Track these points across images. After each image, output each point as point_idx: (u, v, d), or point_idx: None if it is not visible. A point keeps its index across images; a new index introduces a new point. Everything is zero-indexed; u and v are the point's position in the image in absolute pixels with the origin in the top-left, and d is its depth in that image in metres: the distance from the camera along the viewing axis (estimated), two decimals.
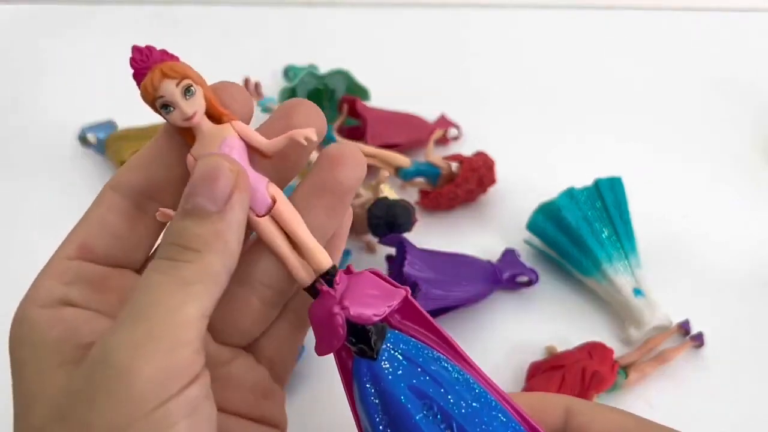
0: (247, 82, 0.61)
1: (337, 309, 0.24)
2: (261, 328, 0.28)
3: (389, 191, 0.48)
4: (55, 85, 0.64)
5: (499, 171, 0.52)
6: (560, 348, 0.43)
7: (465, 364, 0.25)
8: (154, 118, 0.54)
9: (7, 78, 0.65)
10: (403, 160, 0.51)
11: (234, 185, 0.24)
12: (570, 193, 0.48)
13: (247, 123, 0.26)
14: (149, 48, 0.25)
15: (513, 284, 0.46)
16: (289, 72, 0.64)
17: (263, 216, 0.25)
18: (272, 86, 0.62)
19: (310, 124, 0.26)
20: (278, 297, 0.28)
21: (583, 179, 0.49)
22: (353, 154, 0.26)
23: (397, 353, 0.24)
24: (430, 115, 0.58)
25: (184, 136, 0.26)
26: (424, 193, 0.52)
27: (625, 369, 0.42)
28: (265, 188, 0.25)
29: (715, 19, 0.72)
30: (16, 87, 0.64)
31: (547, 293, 0.47)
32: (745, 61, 0.66)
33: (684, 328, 0.44)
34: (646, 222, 0.49)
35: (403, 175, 0.51)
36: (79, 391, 0.21)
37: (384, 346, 0.24)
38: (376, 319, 0.24)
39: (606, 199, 0.47)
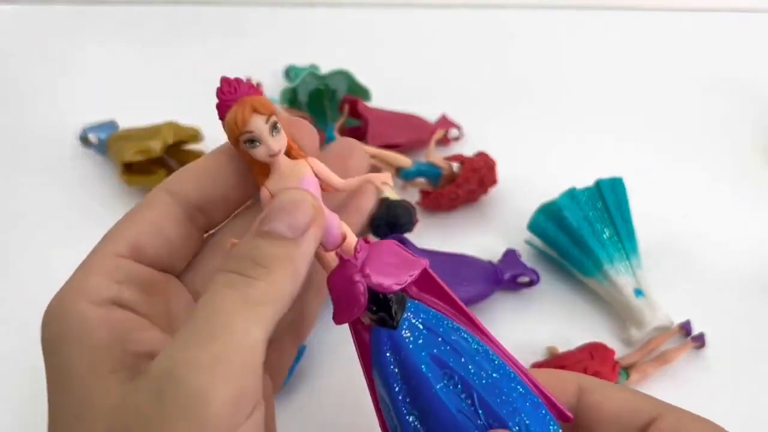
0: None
1: (358, 277, 0.24)
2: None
3: (390, 192, 0.48)
4: (56, 85, 0.64)
5: (500, 171, 0.52)
6: (561, 348, 0.43)
7: (483, 336, 0.25)
8: (155, 119, 0.54)
9: (8, 78, 0.65)
10: (404, 160, 0.51)
11: (313, 219, 0.24)
12: (571, 194, 0.48)
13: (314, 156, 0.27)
14: (238, 80, 0.25)
15: (514, 285, 0.46)
16: (290, 72, 0.64)
17: (329, 251, 0.26)
18: (273, 86, 0.62)
19: (360, 166, 0.27)
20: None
21: (584, 179, 0.49)
22: (352, 144, 0.28)
23: (417, 322, 0.24)
24: (431, 115, 0.58)
25: (255, 166, 0.26)
26: (425, 194, 0.52)
27: (627, 370, 0.42)
28: (338, 226, 0.26)
29: (715, 19, 0.72)
30: (16, 87, 0.64)
31: (548, 294, 0.47)
32: (746, 61, 0.66)
33: (685, 328, 0.44)
34: (647, 222, 0.49)
35: (404, 175, 0.51)
36: (147, 409, 0.20)
37: (404, 315, 0.24)
38: (397, 287, 0.24)
39: (607, 200, 0.47)
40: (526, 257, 0.49)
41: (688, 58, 0.67)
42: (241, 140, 0.25)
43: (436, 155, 0.52)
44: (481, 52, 0.68)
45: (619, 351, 0.43)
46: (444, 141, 0.57)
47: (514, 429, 0.23)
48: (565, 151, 0.57)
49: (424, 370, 0.23)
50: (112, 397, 0.21)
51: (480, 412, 0.23)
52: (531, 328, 0.45)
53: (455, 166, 0.51)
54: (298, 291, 0.24)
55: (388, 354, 0.24)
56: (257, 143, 0.25)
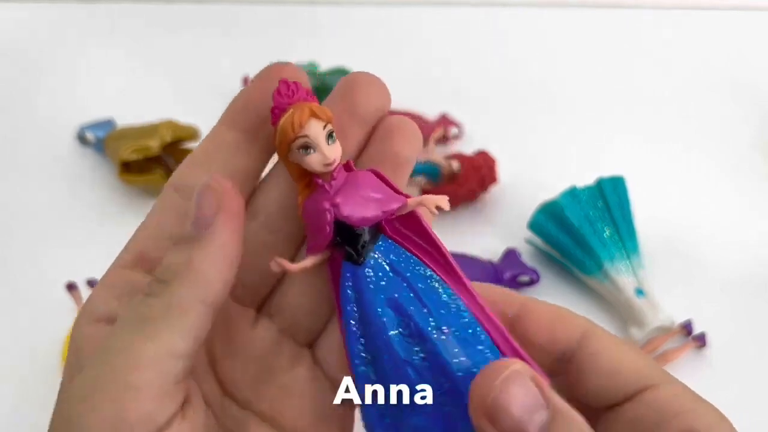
0: (247, 80, 0.61)
1: (327, 205, 0.23)
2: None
3: None
4: (53, 84, 0.64)
5: (501, 170, 0.52)
6: None
7: (462, 288, 0.24)
8: (152, 117, 0.54)
9: (5, 76, 0.65)
10: None
11: (218, 207, 0.22)
12: (572, 193, 0.48)
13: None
14: (297, 84, 0.24)
15: (514, 284, 0.46)
16: None
17: (318, 254, 0.24)
18: None
19: (375, 104, 0.24)
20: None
21: (585, 178, 0.49)
22: (411, 127, 0.25)
23: (384, 262, 0.23)
24: (431, 113, 0.58)
25: (301, 181, 0.24)
26: (425, 192, 0.51)
27: None
28: (329, 221, 0.23)
29: (718, 18, 0.72)
30: (14, 85, 0.64)
31: (548, 293, 0.47)
32: (748, 61, 0.66)
33: (686, 328, 0.44)
34: (648, 222, 0.49)
35: None
36: None
37: (372, 254, 0.23)
38: (366, 223, 0.23)
39: (608, 199, 0.47)
40: (527, 256, 0.48)
41: (689, 57, 0.67)
42: (294, 146, 0.23)
43: (436, 154, 0.52)
44: (482, 50, 0.68)
45: None
46: (444, 139, 0.57)
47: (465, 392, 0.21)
48: (565, 149, 0.57)
49: (379, 312, 0.22)
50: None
51: (430, 367, 0.22)
52: None
53: (455, 164, 0.50)
54: (217, 290, 0.21)
55: (349, 291, 0.23)
56: (312, 150, 0.23)
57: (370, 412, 0.23)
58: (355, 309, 0.23)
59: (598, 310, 0.46)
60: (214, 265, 0.21)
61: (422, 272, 0.23)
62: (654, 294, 0.45)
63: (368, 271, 0.23)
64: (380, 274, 0.23)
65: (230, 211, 0.22)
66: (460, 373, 0.22)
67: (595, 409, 0.24)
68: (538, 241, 0.49)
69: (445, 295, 0.23)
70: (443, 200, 0.24)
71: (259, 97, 0.24)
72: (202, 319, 0.21)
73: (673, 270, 0.48)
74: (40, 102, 0.62)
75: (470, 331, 0.22)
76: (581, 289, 0.47)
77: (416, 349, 0.22)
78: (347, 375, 0.24)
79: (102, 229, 0.51)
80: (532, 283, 0.47)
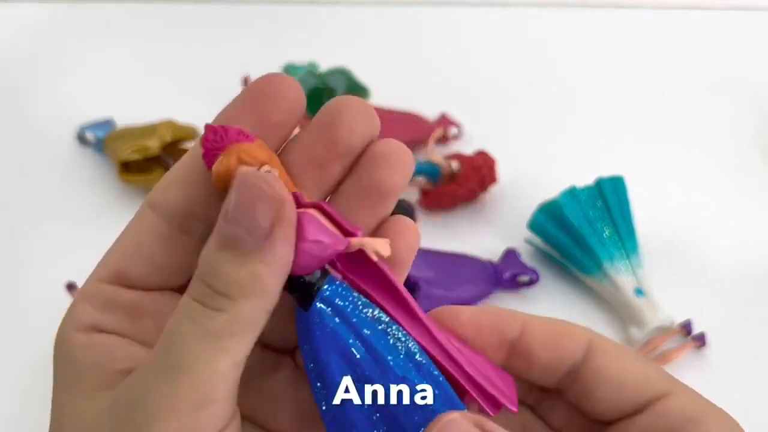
0: (246, 80, 0.61)
1: None
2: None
3: None
4: (53, 84, 0.64)
5: (500, 170, 0.52)
6: None
7: (415, 325, 0.23)
8: (152, 117, 0.54)
9: (5, 76, 0.65)
10: None
11: (276, 215, 0.21)
12: (572, 193, 0.48)
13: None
14: (224, 128, 0.22)
15: (514, 284, 0.46)
16: (288, 70, 0.63)
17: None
18: None
19: (361, 134, 0.23)
20: None
21: (584, 178, 0.49)
22: (399, 153, 0.24)
23: (328, 309, 0.23)
24: (430, 113, 0.58)
25: None
26: (424, 193, 0.51)
27: None
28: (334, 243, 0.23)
29: (718, 18, 0.72)
30: (14, 85, 0.64)
31: (548, 293, 0.47)
32: (748, 61, 0.66)
33: (686, 328, 0.44)
34: (647, 222, 0.49)
35: None
36: None
37: (318, 299, 0.22)
38: (307, 271, 0.22)
39: (608, 199, 0.47)
40: (527, 256, 0.48)
41: (689, 57, 0.67)
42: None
43: (435, 154, 0.52)
44: (482, 50, 0.68)
45: None
46: (443, 139, 0.57)
47: None
48: (565, 149, 0.57)
49: (324, 359, 0.22)
50: (87, 416, 0.21)
51: (377, 415, 0.22)
52: None
53: (455, 164, 0.50)
54: (274, 302, 0.21)
55: (300, 334, 0.23)
56: None
57: None
58: (308, 348, 0.23)
59: (598, 310, 0.46)
60: (276, 277, 0.21)
61: (370, 315, 0.23)
62: (653, 294, 0.45)
63: (315, 318, 0.23)
64: (326, 320, 0.23)
65: (289, 224, 0.21)
66: (402, 418, 0.22)
67: (604, 423, 0.23)
68: (537, 241, 0.49)
69: (393, 339, 0.23)
70: (384, 245, 0.23)
71: (240, 116, 0.23)
72: (262, 327, 0.21)
73: (672, 270, 0.48)
74: (40, 102, 0.62)
75: (422, 371, 0.23)
76: (581, 289, 0.47)
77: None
78: None
79: (102, 229, 0.50)
80: (531, 283, 0.47)
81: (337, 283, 0.23)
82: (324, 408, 0.23)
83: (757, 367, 0.43)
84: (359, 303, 0.23)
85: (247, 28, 0.71)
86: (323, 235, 0.22)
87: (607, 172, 0.49)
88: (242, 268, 0.21)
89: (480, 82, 0.64)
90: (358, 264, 0.23)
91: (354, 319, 0.23)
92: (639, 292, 0.45)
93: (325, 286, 0.23)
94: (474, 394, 0.23)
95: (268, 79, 0.23)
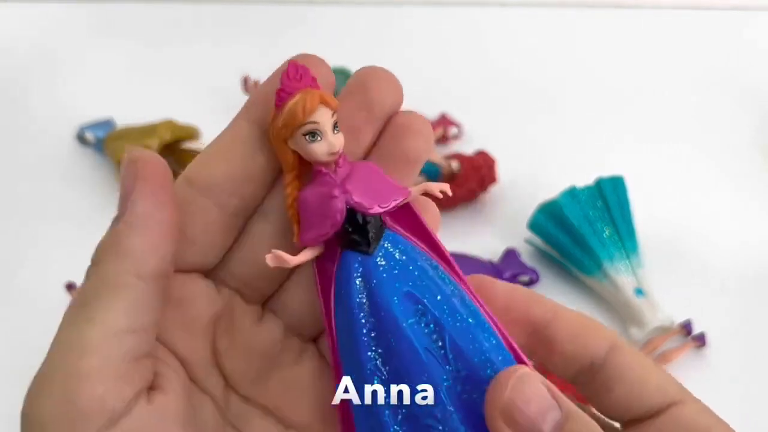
0: (246, 80, 0.61)
1: (337, 192, 0.22)
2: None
3: None
4: (53, 84, 0.64)
5: (500, 170, 0.52)
6: None
7: (461, 281, 0.23)
8: (152, 117, 0.54)
9: (5, 76, 0.65)
10: None
11: (135, 176, 0.21)
12: (572, 193, 0.48)
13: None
14: (305, 69, 0.23)
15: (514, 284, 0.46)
16: None
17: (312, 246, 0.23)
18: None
19: (389, 101, 0.24)
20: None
21: (584, 178, 0.49)
22: (421, 123, 0.24)
23: (395, 252, 0.23)
24: (430, 113, 0.58)
25: (291, 166, 0.23)
26: (424, 192, 0.51)
27: None
28: (341, 209, 0.23)
29: (718, 18, 0.72)
30: (14, 85, 0.64)
31: (548, 293, 0.46)
32: (748, 61, 0.66)
33: (686, 328, 0.44)
34: (647, 221, 0.49)
35: None
36: None
37: (381, 243, 0.22)
38: (380, 210, 0.22)
39: (608, 199, 0.47)
40: (527, 256, 0.48)
41: (689, 57, 0.67)
42: (300, 132, 0.22)
43: (435, 154, 0.52)
44: (482, 50, 0.68)
45: None
46: (443, 139, 0.57)
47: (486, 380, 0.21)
48: (565, 149, 0.57)
49: (396, 302, 0.22)
50: None
51: (450, 356, 0.21)
52: None
53: (455, 164, 0.50)
54: (148, 261, 0.21)
55: (357, 282, 0.22)
56: (318, 137, 0.22)
57: (381, 410, 0.22)
58: (365, 300, 0.22)
59: (598, 310, 0.46)
60: (142, 236, 0.21)
61: (429, 263, 0.23)
62: (653, 294, 0.45)
63: (380, 260, 0.22)
64: (392, 263, 0.22)
65: (150, 179, 0.21)
66: (476, 359, 0.22)
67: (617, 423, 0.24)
68: (537, 241, 0.49)
69: (451, 286, 0.23)
70: (446, 186, 0.24)
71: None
72: (142, 293, 0.21)
73: (672, 270, 0.48)
74: (40, 102, 0.62)
75: (477, 318, 0.22)
76: (581, 289, 0.47)
77: (434, 336, 0.22)
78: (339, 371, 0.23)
79: (102, 229, 0.51)
80: (531, 282, 0.47)
81: (393, 232, 0.23)
82: (372, 357, 0.22)
83: (757, 367, 0.43)
84: (417, 250, 0.23)
85: (247, 28, 0.71)
86: (384, 183, 0.23)
87: (607, 172, 0.49)
88: (107, 234, 0.21)
89: (480, 82, 0.64)
90: (404, 222, 0.24)
91: (419, 263, 0.23)
92: (639, 292, 0.45)
93: (386, 231, 0.23)
94: (516, 358, 0.23)
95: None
